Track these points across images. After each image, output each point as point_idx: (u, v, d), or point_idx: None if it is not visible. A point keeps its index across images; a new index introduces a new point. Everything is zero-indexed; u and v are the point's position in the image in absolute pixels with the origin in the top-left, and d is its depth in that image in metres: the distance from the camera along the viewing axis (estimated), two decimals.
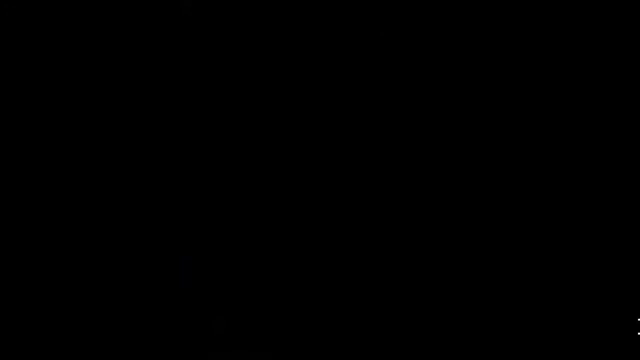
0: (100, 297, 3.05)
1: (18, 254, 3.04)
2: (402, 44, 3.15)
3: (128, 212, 3.08)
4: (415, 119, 3.14)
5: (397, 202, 3.12)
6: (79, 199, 3.08)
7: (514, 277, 3.07)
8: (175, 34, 3.13)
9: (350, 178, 3.12)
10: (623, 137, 3.10)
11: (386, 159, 3.13)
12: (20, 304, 3.02)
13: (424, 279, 3.08)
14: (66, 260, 3.05)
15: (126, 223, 3.08)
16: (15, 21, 3.10)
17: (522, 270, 3.07)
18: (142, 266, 3.06)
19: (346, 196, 3.12)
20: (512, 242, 3.09)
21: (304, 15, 3.15)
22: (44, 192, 3.07)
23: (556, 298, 3.05)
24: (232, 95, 3.15)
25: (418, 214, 3.11)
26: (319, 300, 3.07)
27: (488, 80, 3.14)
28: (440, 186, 3.12)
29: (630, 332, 3.01)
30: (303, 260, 3.10)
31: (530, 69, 3.14)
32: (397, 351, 3.04)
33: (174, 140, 3.12)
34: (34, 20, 3.11)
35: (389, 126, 3.14)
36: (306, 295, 3.08)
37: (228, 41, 3.15)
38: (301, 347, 3.05)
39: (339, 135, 3.13)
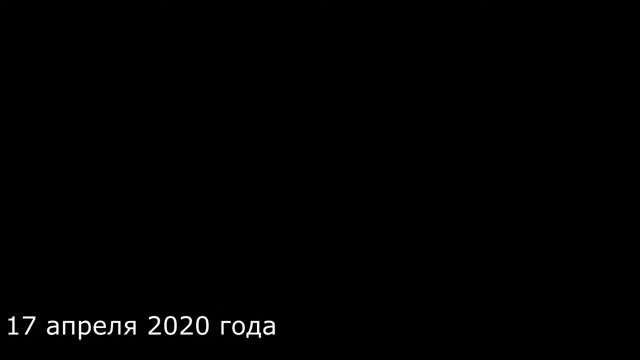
0: (100, 297, 3.02)
1: (19, 255, 3.04)
2: (402, 44, 3.19)
3: (128, 212, 3.09)
4: (415, 118, 3.16)
5: (396, 202, 3.13)
6: (80, 199, 3.09)
7: (513, 277, 3.07)
8: (174, 34, 3.17)
9: (349, 178, 3.14)
10: (623, 137, 3.13)
11: (385, 159, 3.15)
12: (21, 304, 3.00)
13: (423, 280, 3.08)
14: (67, 260, 3.04)
15: (126, 223, 3.09)
16: (15, 21, 3.13)
17: (521, 271, 3.07)
18: (143, 266, 3.06)
19: (345, 196, 3.13)
20: (512, 242, 3.09)
21: (303, 15, 3.19)
22: (43, 193, 3.08)
23: (556, 298, 3.06)
24: (232, 95, 3.17)
25: (417, 214, 3.11)
26: (318, 300, 3.07)
27: (488, 80, 3.17)
28: (439, 186, 3.13)
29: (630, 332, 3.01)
30: (302, 261, 3.10)
31: (530, 69, 3.18)
32: (396, 351, 3.03)
33: (174, 141, 3.14)
34: (33, 21, 3.14)
35: (388, 125, 3.16)
36: (305, 295, 3.07)
37: (227, 40, 3.18)
38: (300, 347, 3.03)
39: (339, 135, 3.15)
